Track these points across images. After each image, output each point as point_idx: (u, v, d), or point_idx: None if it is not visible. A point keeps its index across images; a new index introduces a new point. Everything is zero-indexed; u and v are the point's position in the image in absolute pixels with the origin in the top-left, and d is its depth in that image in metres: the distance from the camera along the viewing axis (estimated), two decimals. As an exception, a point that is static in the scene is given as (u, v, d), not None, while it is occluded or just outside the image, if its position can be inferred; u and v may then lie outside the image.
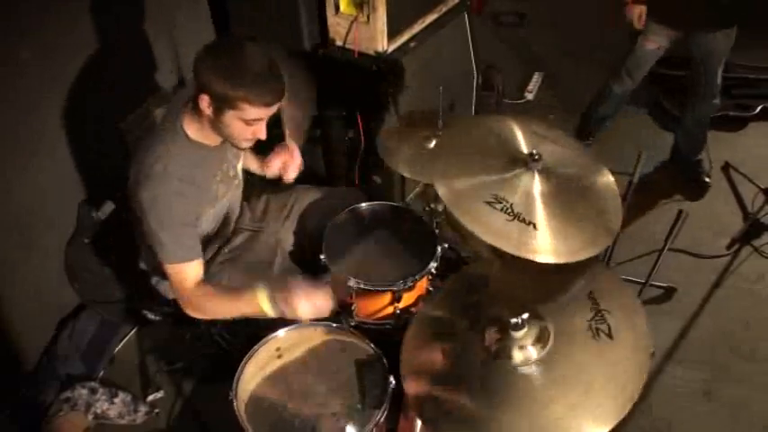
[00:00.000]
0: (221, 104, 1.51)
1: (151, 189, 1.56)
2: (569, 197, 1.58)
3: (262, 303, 1.59)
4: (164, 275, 1.72)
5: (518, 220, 1.50)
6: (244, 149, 1.72)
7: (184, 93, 1.68)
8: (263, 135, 1.60)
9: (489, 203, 1.52)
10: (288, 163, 1.96)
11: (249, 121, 1.54)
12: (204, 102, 1.52)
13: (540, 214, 1.52)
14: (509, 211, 1.51)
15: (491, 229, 1.48)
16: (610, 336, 1.39)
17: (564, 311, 1.45)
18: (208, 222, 1.80)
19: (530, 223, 1.50)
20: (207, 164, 1.68)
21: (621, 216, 1.57)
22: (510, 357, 1.37)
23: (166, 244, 1.60)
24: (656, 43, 2.70)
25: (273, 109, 1.55)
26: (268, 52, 1.51)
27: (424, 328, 1.58)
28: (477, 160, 1.64)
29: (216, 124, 1.57)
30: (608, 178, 1.65)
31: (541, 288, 1.52)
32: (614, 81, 2.95)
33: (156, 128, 1.68)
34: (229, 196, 1.85)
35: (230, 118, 1.53)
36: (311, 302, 1.58)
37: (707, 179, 3.02)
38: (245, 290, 1.63)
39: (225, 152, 1.75)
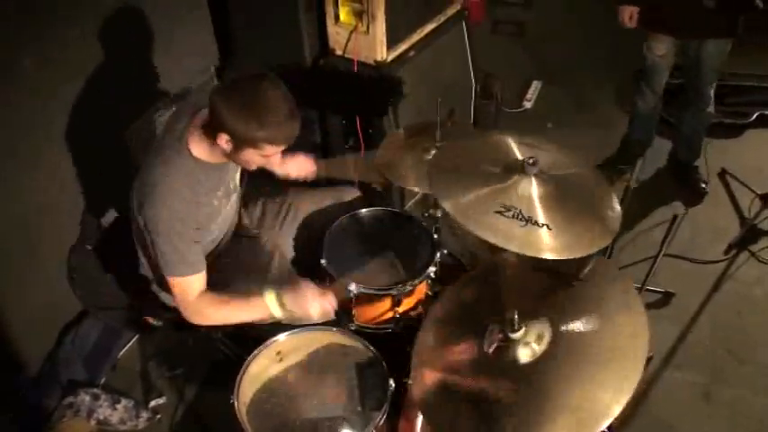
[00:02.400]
0: (241, 143, 1.54)
1: (156, 208, 1.59)
2: (567, 198, 1.59)
3: (270, 306, 1.64)
4: (166, 285, 1.75)
5: (530, 223, 1.52)
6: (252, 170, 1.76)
7: (186, 104, 1.71)
8: (277, 162, 1.70)
9: (500, 213, 1.54)
10: (302, 173, 2.07)
11: (267, 156, 1.59)
12: (223, 139, 1.54)
13: (541, 216, 1.54)
14: (520, 216, 1.53)
15: (507, 236, 1.50)
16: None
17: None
18: (212, 235, 1.83)
19: (543, 225, 1.52)
20: (210, 181, 1.70)
21: (620, 215, 1.59)
22: (517, 357, 1.39)
23: (171, 260, 1.63)
24: (659, 50, 2.69)
25: (290, 143, 1.60)
26: (285, 91, 1.53)
27: (436, 332, 1.60)
28: (475, 173, 1.66)
29: (231, 155, 1.61)
30: (602, 181, 1.69)
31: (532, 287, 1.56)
32: (637, 97, 2.94)
33: (159, 144, 1.70)
34: (229, 208, 1.87)
35: (249, 154, 1.58)
36: (320, 302, 1.64)
37: (704, 186, 3.04)
38: (251, 295, 1.66)
39: (227, 167, 1.77)
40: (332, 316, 1.69)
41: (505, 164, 1.65)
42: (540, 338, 1.39)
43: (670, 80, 2.87)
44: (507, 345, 1.40)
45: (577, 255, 1.48)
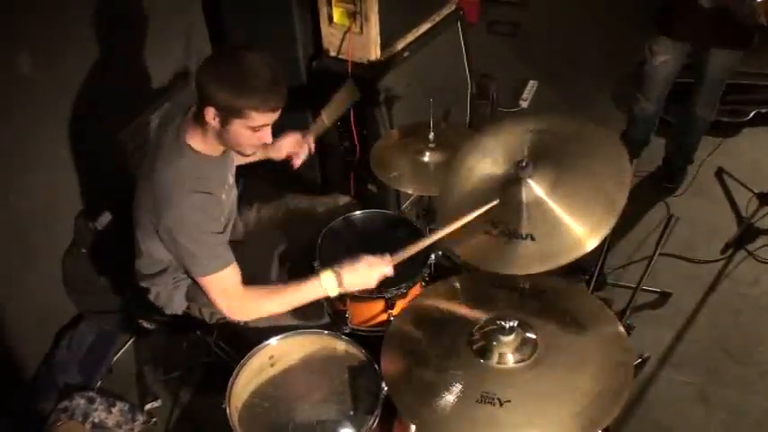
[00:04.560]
0: (227, 115, 1.51)
1: (174, 210, 1.56)
2: (571, 174, 1.53)
3: (328, 287, 1.61)
4: (187, 292, 1.79)
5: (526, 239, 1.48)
6: (249, 156, 1.73)
7: (182, 105, 1.70)
8: (269, 140, 1.61)
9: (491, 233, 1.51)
10: (299, 152, 2.01)
11: (256, 128, 1.55)
12: (210, 114, 1.52)
13: (558, 210, 1.48)
14: (515, 234, 1.48)
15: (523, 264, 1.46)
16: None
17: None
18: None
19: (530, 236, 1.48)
20: (214, 174, 1.69)
21: (629, 169, 1.54)
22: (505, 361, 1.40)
23: (200, 257, 1.59)
24: (661, 55, 2.64)
25: (278, 113, 1.56)
26: (268, 58, 1.52)
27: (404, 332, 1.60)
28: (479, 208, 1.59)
29: (222, 135, 1.57)
30: (603, 136, 1.62)
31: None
32: (633, 103, 2.93)
33: (159, 145, 1.67)
34: (231, 203, 1.86)
35: (237, 127, 1.53)
36: (378, 269, 1.62)
37: (670, 185, 3.05)
38: (302, 279, 1.64)
39: (226, 161, 1.76)
40: (391, 274, 1.66)
41: (502, 179, 1.58)
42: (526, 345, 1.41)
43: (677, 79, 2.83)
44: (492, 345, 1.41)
45: (597, 239, 1.43)
